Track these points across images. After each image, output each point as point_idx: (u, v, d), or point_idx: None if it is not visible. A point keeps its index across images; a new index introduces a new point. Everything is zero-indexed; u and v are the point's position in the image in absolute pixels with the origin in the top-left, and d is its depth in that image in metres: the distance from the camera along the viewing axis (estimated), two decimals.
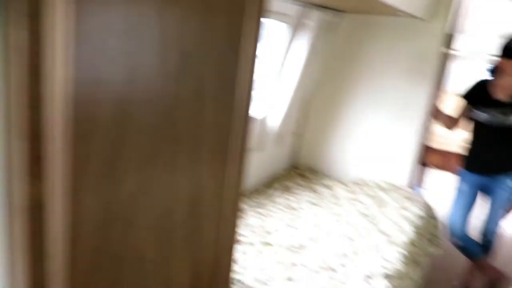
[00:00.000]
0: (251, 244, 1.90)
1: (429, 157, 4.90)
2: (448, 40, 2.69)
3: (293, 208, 2.33)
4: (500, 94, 2.44)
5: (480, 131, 2.53)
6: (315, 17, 2.27)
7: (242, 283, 1.59)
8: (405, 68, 2.66)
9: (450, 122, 2.67)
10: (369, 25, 2.70)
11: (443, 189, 3.42)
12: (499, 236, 2.65)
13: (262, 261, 1.77)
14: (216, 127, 0.63)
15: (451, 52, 2.86)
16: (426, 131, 2.86)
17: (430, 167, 4.45)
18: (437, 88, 2.74)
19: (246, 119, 0.72)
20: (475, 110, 2.50)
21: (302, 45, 2.34)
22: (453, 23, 2.69)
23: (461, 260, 2.76)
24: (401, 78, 2.67)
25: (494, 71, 2.49)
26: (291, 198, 2.47)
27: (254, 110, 2.40)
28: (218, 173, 0.68)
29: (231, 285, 1.55)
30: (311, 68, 2.56)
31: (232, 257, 0.84)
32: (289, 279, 1.65)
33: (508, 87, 2.43)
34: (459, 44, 3.19)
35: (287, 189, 2.59)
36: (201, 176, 0.64)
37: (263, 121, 2.45)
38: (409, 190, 2.69)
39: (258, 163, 2.56)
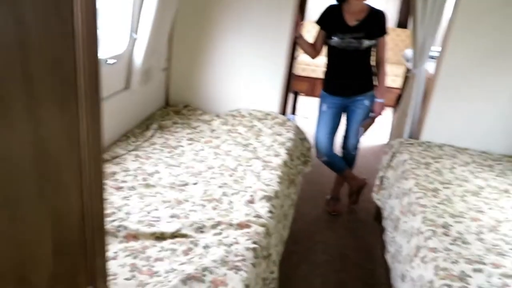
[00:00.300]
0: (133, 188, 1.83)
1: (298, 84, 5.21)
2: None
3: (172, 147, 2.30)
4: (350, 20, 2.63)
5: (335, 56, 2.73)
6: None
7: (127, 228, 1.54)
8: None
9: (311, 49, 2.82)
10: None
11: (312, 114, 3.70)
12: (359, 149, 3.01)
13: (146, 203, 1.73)
14: (52, 63, 0.54)
15: None
16: (293, 60, 2.99)
17: (300, 94, 4.76)
18: (299, 17, 2.84)
19: (94, 53, 0.63)
20: (331, 36, 2.67)
21: None
22: None
23: (331, 175, 3.10)
24: (264, 7, 2.68)
25: None
26: (169, 137, 2.42)
27: (114, 46, 2.19)
28: (69, 116, 0.60)
29: (111, 233, 1.49)
30: None
31: (104, 205, 0.79)
32: (175, 216, 1.65)
33: (354, 12, 2.62)
34: None
35: (164, 128, 2.52)
36: (46, 120, 0.55)
37: (125, 56, 2.25)
38: (282, 117, 2.84)
39: (130, 104, 2.41)
